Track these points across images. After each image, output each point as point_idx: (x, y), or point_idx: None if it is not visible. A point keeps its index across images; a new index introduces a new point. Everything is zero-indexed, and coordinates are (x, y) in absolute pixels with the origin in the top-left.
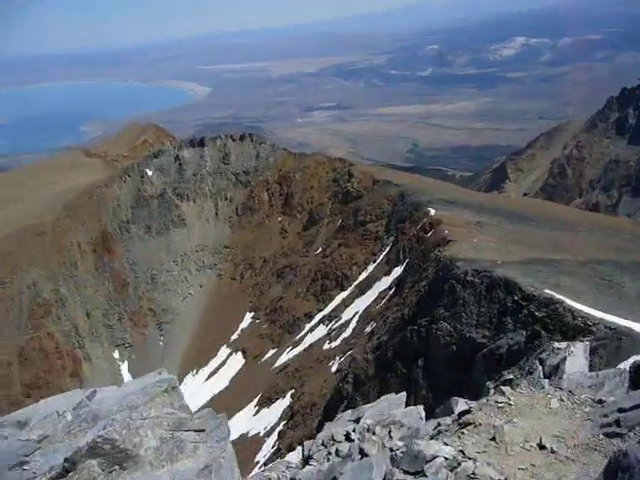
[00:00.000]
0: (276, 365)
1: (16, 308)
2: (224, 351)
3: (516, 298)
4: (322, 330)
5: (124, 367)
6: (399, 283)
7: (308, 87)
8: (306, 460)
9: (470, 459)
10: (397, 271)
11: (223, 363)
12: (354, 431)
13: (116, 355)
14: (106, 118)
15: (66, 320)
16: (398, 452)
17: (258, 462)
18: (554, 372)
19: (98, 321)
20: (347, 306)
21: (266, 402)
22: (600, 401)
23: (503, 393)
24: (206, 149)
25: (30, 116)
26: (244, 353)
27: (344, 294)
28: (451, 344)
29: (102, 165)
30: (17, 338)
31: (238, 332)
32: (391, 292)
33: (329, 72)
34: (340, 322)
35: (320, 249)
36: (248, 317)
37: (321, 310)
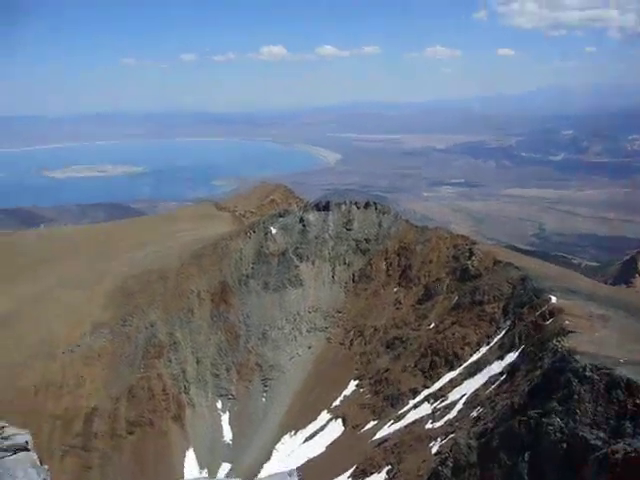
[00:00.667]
0: (375, 438)
1: (132, 346)
2: (324, 416)
3: (638, 402)
4: (426, 408)
5: (225, 418)
6: (512, 370)
7: (437, 162)
8: None
9: None
10: (511, 357)
11: (322, 428)
12: None
13: (219, 405)
14: (239, 175)
15: (176, 364)
16: None
17: None
18: None
19: (206, 369)
20: (455, 387)
21: (361, 475)
22: None
23: None
24: (330, 213)
25: (170, 167)
26: (344, 421)
27: (453, 374)
28: (562, 441)
29: (230, 219)
30: (129, 376)
31: (340, 399)
32: (502, 378)
33: (459, 149)
34: (446, 402)
35: (433, 324)
36: (352, 385)
37: (427, 387)
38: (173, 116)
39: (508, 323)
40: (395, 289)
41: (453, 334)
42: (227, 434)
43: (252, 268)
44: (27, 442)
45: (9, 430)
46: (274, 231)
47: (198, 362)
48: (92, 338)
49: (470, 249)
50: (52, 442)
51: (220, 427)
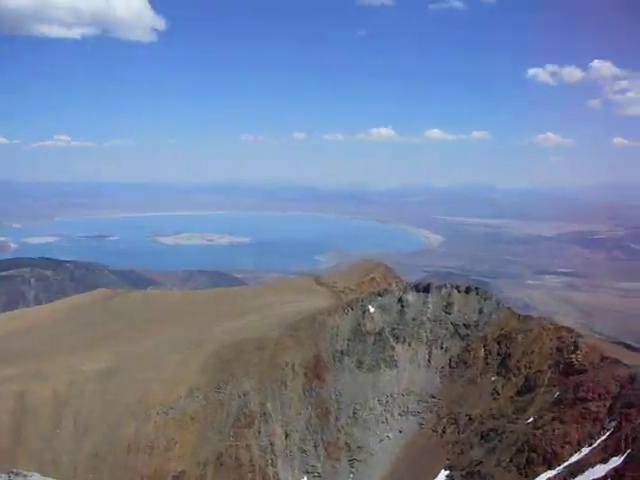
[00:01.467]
0: None
1: (224, 413)
2: None
3: None
4: None
5: None
6: (616, 475)
7: (543, 250)
8: None
9: None
10: (615, 461)
11: None
12: None
13: None
14: (341, 251)
15: (265, 436)
16: None
17: None
18: None
19: (294, 444)
20: None
21: None
22: None
23: None
24: (430, 296)
25: (275, 239)
26: None
27: (550, 473)
28: None
29: (329, 294)
30: (218, 442)
31: None
32: None
33: (567, 238)
34: None
35: (532, 419)
36: (442, 475)
37: None
38: (283, 190)
39: (614, 424)
40: (493, 378)
41: (553, 431)
42: None
43: (347, 345)
44: None
45: None
46: (372, 309)
47: (287, 436)
48: (186, 402)
49: (575, 342)
50: None
51: None
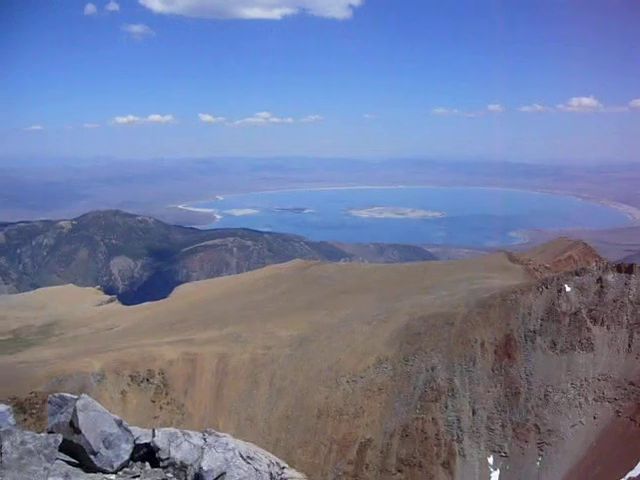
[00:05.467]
0: None
1: (411, 386)
2: None
3: None
4: None
5: (495, 475)
6: None
7: None
8: None
9: None
10: None
11: None
12: None
13: (490, 461)
14: (536, 228)
15: (452, 411)
16: None
17: None
18: None
19: (481, 421)
20: None
21: None
22: None
23: None
24: (633, 276)
25: (468, 214)
26: None
27: None
28: None
29: (522, 272)
30: (405, 414)
31: (625, 479)
32: None
33: None
34: None
35: None
36: (639, 467)
37: None
38: (479, 165)
39: None
40: None
41: None
42: None
43: (540, 325)
44: None
45: (288, 472)
46: (568, 289)
47: (474, 413)
48: (375, 372)
49: None
50: (327, 464)
51: None
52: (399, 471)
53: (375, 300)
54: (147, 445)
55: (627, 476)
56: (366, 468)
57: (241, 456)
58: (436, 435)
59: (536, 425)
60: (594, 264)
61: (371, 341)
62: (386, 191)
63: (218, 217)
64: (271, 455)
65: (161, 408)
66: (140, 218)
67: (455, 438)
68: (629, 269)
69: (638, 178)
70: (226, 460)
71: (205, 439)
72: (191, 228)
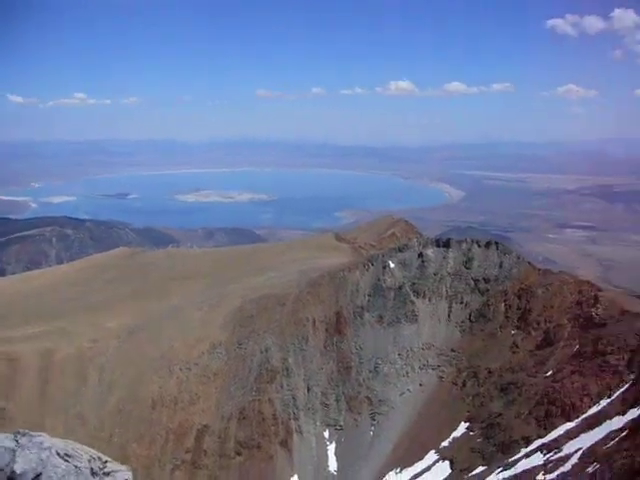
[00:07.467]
0: None
1: (246, 369)
2: (431, 456)
3: None
4: (538, 458)
5: (331, 448)
6: (634, 426)
7: (565, 204)
8: None
9: None
10: (633, 413)
11: (428, 469)
12: None
13: (326, 435)
14: (362, 208)
15: (287, 390)
16: None
17: None
18: None
19: (316, 398)
20: (570, 439)
21: None
22: None
23: None
24: (450, 251)
25: (294, 196)
26: (452, 463)
27: (569, 425)
28: None
29: (349, 250)
30: (241, 397)
31: (449, 440)
32: (623, 434)
33: (588, 191)
34: (559, 454)
35: (551, 372)
36: (462, 427)
37: (541, 437)
38: (300, 147)
39: (632, 376)
40: (513, 332)
41: (572, 384)
42: (332, 464)
43: (368, 301)
44: None
45: (111, 466)
46: (392, 265)
47: (309, 390)
48: (209, 358)
49: (595, 296)
50: (165, 454)
51: (326, 457)
52: (238, 454)
53: (206, 285)
54: None
55: (451, 436)
56: (205, 454)
57: (58, 454)
58: (273, 415)
59: (368, 397)
60: (415, 240)
61: (204, 327)
62: (210, 174)
63: (33, 205)
64: (92, 450)
65: None
66: None
67: (292, 416)
68: (447, 244)
69: (454, 158)
70: (41, 460)
71: (17, 440)
72: (3, 218)
